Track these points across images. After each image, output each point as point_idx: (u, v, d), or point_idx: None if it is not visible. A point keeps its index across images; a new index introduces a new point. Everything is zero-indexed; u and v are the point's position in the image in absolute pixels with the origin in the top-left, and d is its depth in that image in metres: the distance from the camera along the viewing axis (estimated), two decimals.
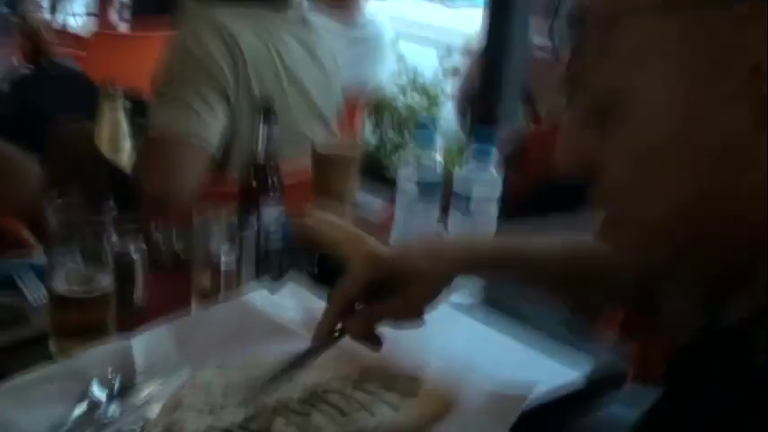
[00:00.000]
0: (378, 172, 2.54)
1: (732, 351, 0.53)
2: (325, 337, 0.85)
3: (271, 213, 1.16)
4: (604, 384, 1.03)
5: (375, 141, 3.17)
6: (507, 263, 0.90)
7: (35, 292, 1.04)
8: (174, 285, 1.05)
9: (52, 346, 0.93)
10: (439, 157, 1.24)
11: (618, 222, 0.57)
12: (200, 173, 1.33)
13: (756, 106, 0.48)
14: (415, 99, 3.28)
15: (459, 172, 1.20)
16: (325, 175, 1.37)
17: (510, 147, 1.78)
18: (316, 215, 1.28)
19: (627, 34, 0.52)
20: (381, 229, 1.32)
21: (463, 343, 1.07)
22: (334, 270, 1.19)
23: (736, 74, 0.48)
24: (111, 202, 0.91)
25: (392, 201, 1.31)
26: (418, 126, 1.32)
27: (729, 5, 0.48)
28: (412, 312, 0.86)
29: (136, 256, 0.93)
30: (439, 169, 1.23)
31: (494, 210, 1.18)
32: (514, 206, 1.22)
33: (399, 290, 0.84)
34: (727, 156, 0.50)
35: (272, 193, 1.16)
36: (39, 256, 1.10)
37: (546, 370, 1.02)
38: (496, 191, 1.18)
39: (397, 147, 3.11)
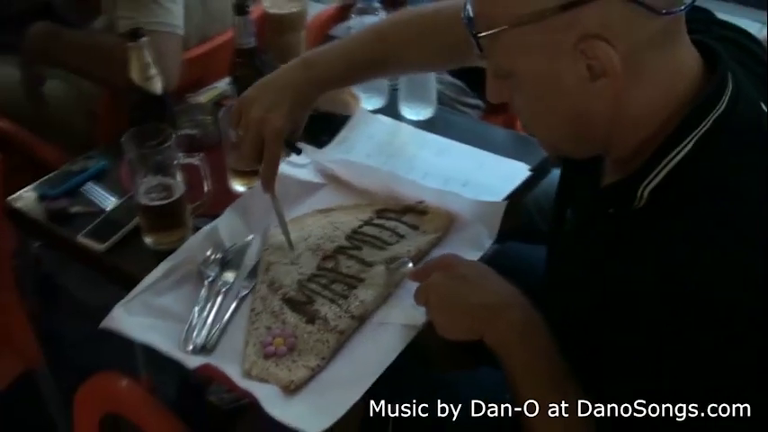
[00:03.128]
0: None
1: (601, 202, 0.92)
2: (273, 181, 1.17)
3: None
4: (541, 171, 1.40)
5: None
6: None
7: (106, 200, 1.31)
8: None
9: (147, 240, 1.22)
10: None
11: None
12: (179, 57, 1.53)
13: (589, 62, 0.79)
14: None
15: None
16: (278, 32, 1.59)
17: None
18: None
19: (497, 44, 0.83)
20: None
21: (435, 157, 1.41)
22: (316, 119, 1.47)
23: (574, 45, 0.79)
24: (171, 130, 1.16)
25: None
26: None
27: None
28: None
29: (199, 162, 1.19)
30: (384, 16, 1.49)
31: None
32: None
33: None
34: (580, 99, 0.83)
35: (258, 71, 1.40)
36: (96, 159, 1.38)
37: (503, 166, 1.38)
38: None
39: None
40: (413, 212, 1.26)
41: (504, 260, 1.35)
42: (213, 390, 1.79)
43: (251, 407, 1.65)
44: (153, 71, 1.22)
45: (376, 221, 1.25)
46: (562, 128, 0.88)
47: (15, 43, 1.78)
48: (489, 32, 0.82)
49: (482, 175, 1.36)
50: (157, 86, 1.23)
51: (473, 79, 1.88)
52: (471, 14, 0.85)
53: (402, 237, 1.22)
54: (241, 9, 1.33)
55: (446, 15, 1.17)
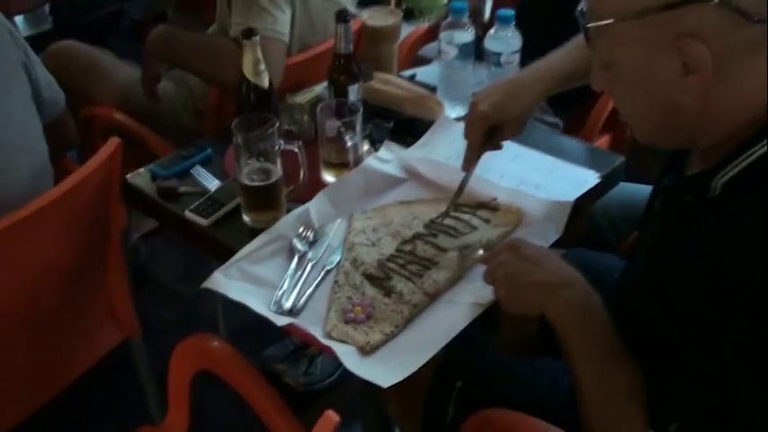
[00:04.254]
0: None
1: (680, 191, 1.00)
2: (472, 163, 1.34)
3: (353, 91, 1.54)
4: (610, 180, 1.49)
5: None
6: (561, 88, 1.38)
7: (210, 182, 1.46)
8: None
9: (246, 218, 1.36)
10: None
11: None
12: (283, 61, 1.69)
13: (684, 59, 0.88)
14: None
15: (489, 33, 1.57)
16: (373, 43, 1.73)
17: None
18: (380, 79, 1.67)
19: (603, 37, 0.93)
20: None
21: (511, 161, 1.51)
22: (403, 122, 1.60)
23: (672, 41, 0.88)
24: (274, 118, 1.30)
25: None
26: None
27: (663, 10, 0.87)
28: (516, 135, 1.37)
29: (297, 149, 1.33)
30: (472, 32, 1.61)
31: (518, 60, 1.57)
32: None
33: (507, 127, 1.34)
34: (672, 92, 0.92)
35: (353, 76, 1.53)
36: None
37: (574, 173, 1.47)
38: (518, 44, 1.56)
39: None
40: (486, 208, 1.36)
41: (571, 263, 1.44)
42: (290, 373, 1.92)
43: (324, 390, 1.78)
44: (262, 67, 1.37)
45: (452, 214, 1.36)
46: (653, 117, 0.97)
47: (134, 51, 1.98)
48: (597, 24, 0.93)
49: (554, 180, 1.45)
50: (265, 81, 1.38)
51: (553, 99, 1.98)
52: (584, 9, 0.96)
53: (475, 228, 1.32)
54: (343, 18, 1.47)
55: None
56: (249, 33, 1.34)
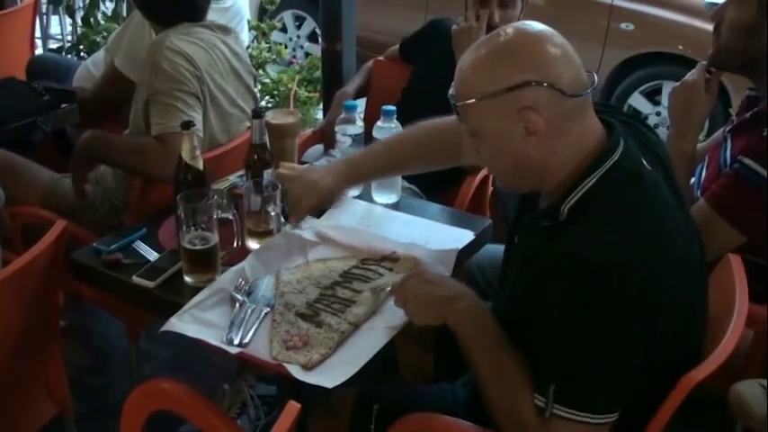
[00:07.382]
0: None
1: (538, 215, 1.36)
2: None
3: (267, 174, 1.84)
4: (482, 237, 1.84)
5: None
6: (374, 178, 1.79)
7: (150, 254, 1.69)
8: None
9: (187, 279, 1.59)
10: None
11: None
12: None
13: (526, 124, 1.26)
14: None
15: (376, 124, 1.93)
16: (278, 138, 2.04)
17: None
18: (286, 167, 1.97)
19: (468, 112, 1.30)
20: None
21: (403, 227, 1.84)
22: None
23: (517, 113, 1.25)
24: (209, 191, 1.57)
25: None
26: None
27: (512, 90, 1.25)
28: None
29: (233, 216, 1.60)
30: (361, 125, 1.96)
31: None
32: None
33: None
34: (521, 149, 1.28)
35: (266, 162, 1.83)
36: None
37: (454, 233, 1.82)
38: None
39: None
40: (388, 260, 1.67)
41: None
42: None
43: None
44: (198, 152, 1.64)
45: (360, 266, 1.65)
46: (510, 168, 1.33)
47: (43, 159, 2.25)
48: (464, 103, 1.29)
49: (438, 238, 1.78)
50: (200, 164, 1.65)
51: (424, 184, 2.36)
52: (454, 92, 1.32)
53: (381, 275, 1.62)
54: (257, 114, 1.78)
55: (448, 129, 1.67)
56: (188, 125, 1.62)
